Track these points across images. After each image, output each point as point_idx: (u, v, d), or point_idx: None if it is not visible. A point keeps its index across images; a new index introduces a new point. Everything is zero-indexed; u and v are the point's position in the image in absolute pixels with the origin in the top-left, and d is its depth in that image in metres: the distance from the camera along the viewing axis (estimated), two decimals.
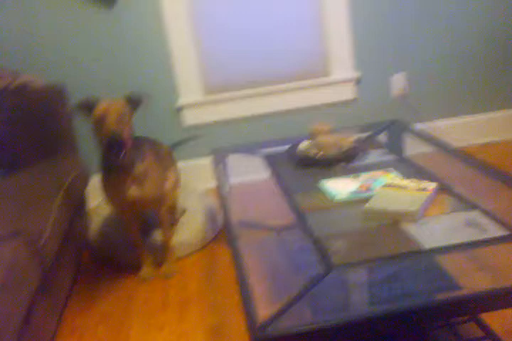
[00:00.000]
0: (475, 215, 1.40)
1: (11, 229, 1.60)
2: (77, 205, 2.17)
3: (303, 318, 1.17)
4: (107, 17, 2.70)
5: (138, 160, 1.92)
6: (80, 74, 2.76)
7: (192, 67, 2.82)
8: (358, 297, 1.33)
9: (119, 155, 1.82)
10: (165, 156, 2.20)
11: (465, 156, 1.84)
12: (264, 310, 1.15)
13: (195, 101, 2.87)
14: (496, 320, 1.58)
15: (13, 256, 1.47)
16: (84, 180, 2.31)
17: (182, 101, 2.86)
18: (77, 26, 2.70)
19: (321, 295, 1.29)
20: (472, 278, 1.31)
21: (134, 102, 1.89)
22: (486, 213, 1.40)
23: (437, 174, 1.70)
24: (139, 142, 1.96)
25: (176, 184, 2.27)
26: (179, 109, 2.88)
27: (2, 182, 2.09)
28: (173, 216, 2.30)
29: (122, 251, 2.24)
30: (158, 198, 2.04)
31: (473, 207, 1.45)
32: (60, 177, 2.09)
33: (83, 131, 2.60)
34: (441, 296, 1.32)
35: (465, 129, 3.12)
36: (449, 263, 1.40)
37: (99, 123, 1.79)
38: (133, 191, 1.93)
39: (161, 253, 2.17)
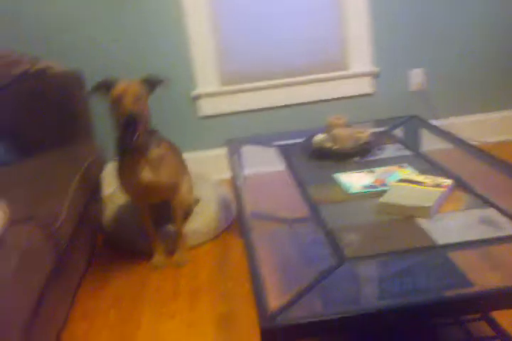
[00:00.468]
0: (490, 213, 1.40)
1: (27, 212, 1.62)
2: (92, 190, 2.19)
3: (313, 310, 1.18)
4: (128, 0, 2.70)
5: (153, 144, 1.94)
6: (98, 55, 2.76)
7: (210, 57, 2.82)
8: (369, 290, 1.33)
9: (133, 135, 1.84)
10: (181, 159, 2.22)
11: (482, 154, 1.82)
12: (274, 301, 1.15)
13: (212, 91, 2.87)
14: (507, 319, 1.57)
15: (28, 239, 1.49)
16: (100, 166, 2.33)
17: (198, 90, 2.86)
18: (97, 8, 2.70)
19: (333, 288, 1.29)
20: (485, 277, 1.31)
21: (151, 84, 1.93)
22: (502, 211, 1.39)
23: (454, 171, 1.69)
24: (156, 133, 1.99)
25: (191, 190, 2.28)
26: (195, 98, 2.88)
27: (19, 166, 2.12)
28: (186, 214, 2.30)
29: (135, 238, 2.26)
30: (172, 185, 2.05)
31: (489, 204, 1.44)
32: (76, 163, 2.11)
33: (100, 119, 2.62)
34: (452, 293, 1.31)
35: (479, 127, 3.09)
36: (462, 260, 1.39)
37: (117, 102, 1.83)
38: (146, 175, 1.94)
39: (174, 242, 2.19)
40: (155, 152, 1.95)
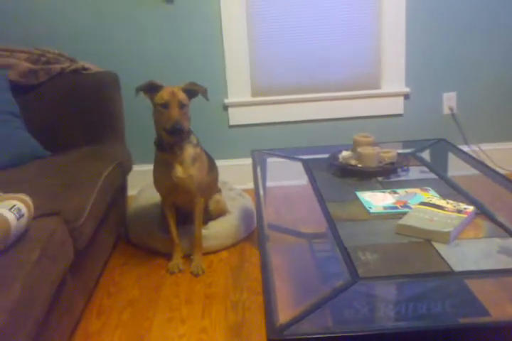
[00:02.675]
0: (510, 243, 1.38)
1: (54, 206, 1.66)
2: (118, 189, 2.24)
3: (323, 325, 1.18)
4: (167, 11, 2.77)
5: (190, 145, 2.05)
6: (135, 62, 2.83)
7: (243, 68, 2.86)
8: (381, 311, 1.33)
9: (178, 140, 2.01)
10: (216, 176, 2.32)
11: (509, 182, 1.80)
12: (284, 314, 1.16)
13: (242, 101, 2.91)
14: None
15: (50, 234, 1.52)
16: (127, 166, 2.39)
17: (230, 99, 2.90)
18: (136, 16, 2.77)
19: (345, 306, 1.29)
20: (503, 307, 1.29)
21: (193, 92, 2.03)
22: None
23: (477, 198, 1.68)
24: (193, 135, 2.09)
25: (226, 207, 2.39)
26: (226, 107, 2.92)
27: (52, 161, 2.18)
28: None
29: (156, 239, 2.29)
30: (199, 187, 2.10)
31: (510, 234, 1.42)
32: (105, 161, 2.17)
33: (130, 123, 2.67)
34: (467, 320, 1.30)
35: (510, 155, 3.04)
36: (480, 289, 1.38)
37: (164, 108, 1.95)
38: (178, 172, 2.04)
39: (192, 245, 2.21)
40: (189, 152, 2.05)
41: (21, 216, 1.42)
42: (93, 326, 1.84)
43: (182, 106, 1.96)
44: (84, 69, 2.47)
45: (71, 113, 2.39)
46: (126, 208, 2.52)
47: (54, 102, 2.40)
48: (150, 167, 2.14)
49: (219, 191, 2.39)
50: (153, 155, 2.12)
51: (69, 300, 1.67)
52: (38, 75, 2.38)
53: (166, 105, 1.95)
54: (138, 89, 1.99)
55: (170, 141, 2.01)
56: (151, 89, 1.99)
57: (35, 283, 1.37)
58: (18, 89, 2.34)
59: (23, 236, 1.45)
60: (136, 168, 2.54)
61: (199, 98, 2.06)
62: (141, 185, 2.69)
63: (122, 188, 2.40)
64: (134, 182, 2.64)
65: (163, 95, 1.95)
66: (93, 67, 2.50)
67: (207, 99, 2.04)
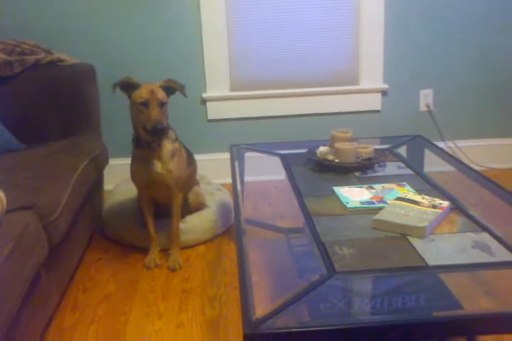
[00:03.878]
0: (484, 238, 1.40)
1: (28, 200, 1.64)
2: (94, 183, 2.21)
3: (299, 320, 1.18)
4: (146, 1, 2.73)
5: (168, 140, 2.03)
6: (112, 53, 2.80)
7: (221, 62, 2.85)
8: (357, 305, 1.34)
9: (158, 139, 1.98)
10: (194, 170, 2.30)
11: (483, 178, 1.83)
12: (261, 308, 1.16)
13: (221, 95, 2.89)
14: None
15: (24, 228, 1.50)
16: (104, 160, 2.36)
17: (208, 93, 2.88)
18: (113, 7, 2.73)
19: (321, 300, 1.30)
20: (476, 301, 1.31)
21: (171, 89, 1.99)
22: (495, 237, 1.40)
23: (452, 193, 1.70)
24: (171, 130, 2.06)
25: (204, 200, 2.38)
26: (205, 101, 2.90)
27: (27, 154, 2.14)
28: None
29: (132, 233, 2.28)
30: (177, 182, 2.09)
31: (484, 229, 1.45)
32: (81, 154, 2.14)
33: (107, 116, 2.65)
34: (440, 313, 1.32)
35: (486, 152, 3.09)
36: (454, 283, 1.40)
37: (143, 106, 1.91)
38: (156, 167, 2.02)
39: (169, 239, 2.20)
40: (168, 148, 2.03)
41: None
42: (67, 321, 1.81)
43: (162, 104, 1.92)
44: (60, 60, 2.43)
45: (46, 105, 2.35)
46: (103, 202, 2.50)
47: (29, 94, 2.36)
48: (127, 161, 2.12)
49: (197, 184, 2.38)
50: (130, 149, 2.10)
51: (43, 295, 1.65)
52: (13, 67, 2.33)
53: (145, 104, 1.90)
54: (114, 86, 1.93)
55: (148, 139, 1.99)
56: (129, 85, 1.94)
57: (7, 278, 1.34)
58: None
59: None
60: (112, 161, 2.51)
61: (177, 92, 2.04)
62: (118, 180, 2.66)
63: (98, 182, 2.37)
64: (110, 176, 2.62)
65: (142, 93, 1.90)
66: (69, 58, 2.46)
67: (185, 97, 2.02)
